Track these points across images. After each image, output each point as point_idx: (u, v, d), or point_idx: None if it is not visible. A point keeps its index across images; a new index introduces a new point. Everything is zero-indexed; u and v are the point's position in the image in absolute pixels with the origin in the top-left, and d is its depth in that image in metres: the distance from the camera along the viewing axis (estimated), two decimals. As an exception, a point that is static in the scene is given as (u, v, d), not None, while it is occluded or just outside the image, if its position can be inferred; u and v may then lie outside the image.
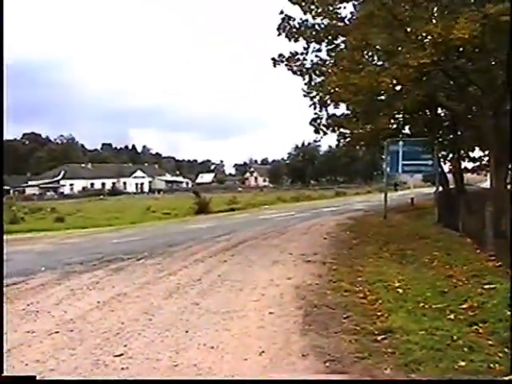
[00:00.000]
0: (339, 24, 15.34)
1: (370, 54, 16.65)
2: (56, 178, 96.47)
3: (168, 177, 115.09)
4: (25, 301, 8.31)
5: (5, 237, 21.10)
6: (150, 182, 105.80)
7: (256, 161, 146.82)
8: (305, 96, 18.46)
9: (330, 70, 15.47)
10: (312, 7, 14.90)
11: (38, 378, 4.13)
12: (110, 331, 6.43)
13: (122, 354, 5.56)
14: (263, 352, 5.52)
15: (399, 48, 13.93)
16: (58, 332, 6.47)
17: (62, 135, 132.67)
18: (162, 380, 4.61)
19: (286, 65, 17.01)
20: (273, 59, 17.00)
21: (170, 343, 5.92)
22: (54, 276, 10.53)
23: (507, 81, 12.82)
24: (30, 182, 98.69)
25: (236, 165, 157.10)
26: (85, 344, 5.97)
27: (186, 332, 6.33)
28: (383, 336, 5.80)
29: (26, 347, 5.91)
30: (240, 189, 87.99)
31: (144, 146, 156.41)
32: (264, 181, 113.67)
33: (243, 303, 7.80)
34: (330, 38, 16.43)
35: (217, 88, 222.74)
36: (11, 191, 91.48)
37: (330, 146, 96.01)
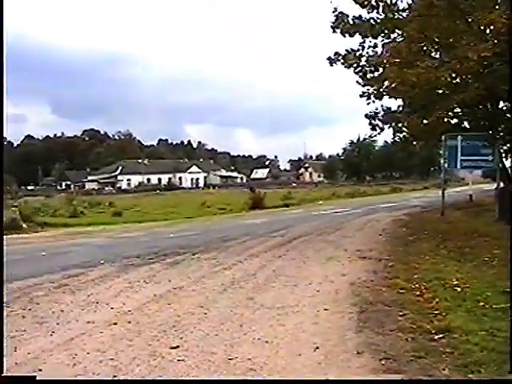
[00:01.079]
0: (396, 16, 15.07)
1: (427, 47, 16.25)
2: (114, 173, 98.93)
3: (223, 172, 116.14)
4: (85, 292, 8.56)
5: (67, 229, 21.88)
6: (205, 178, 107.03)
7: (311, 156, 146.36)
8: (361, 96, 18.20)
9: (386, 65, 15.21)
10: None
11: (38, 378, 4.27)
12: (167, 323, 6.53)
13: (178, 346, 5.64)
14: (318, 348, 5.48)
15: (460, 40, 13.50)
16: (116, 323, 6.62)
17: (119, 131, 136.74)
18: (163, 380, 4.66)
19: (343, 63, 16.83)
20: (328, 58, 16.87)
21: (224, 337, 5.96)
22: (113, 269, 10.79)
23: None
24: (89, 177, 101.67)
25: (291, 160, 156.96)
26: (142, 335, 6.09)
27: (241, 326, 6.37)
28: (441, 335, 5.65)
29: (87, 337, 6.08)
30: (294, 184, 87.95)
31: (199, 142, 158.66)
32: (319, 176, 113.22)
33: (298, 299, 7.78)
34: (386, 31, 16.14)
35: (271, 84, 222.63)
36: (72, 186, 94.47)
37: (385, 142, 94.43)
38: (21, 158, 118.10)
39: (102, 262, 11.65)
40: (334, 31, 15.84)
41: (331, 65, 16.86)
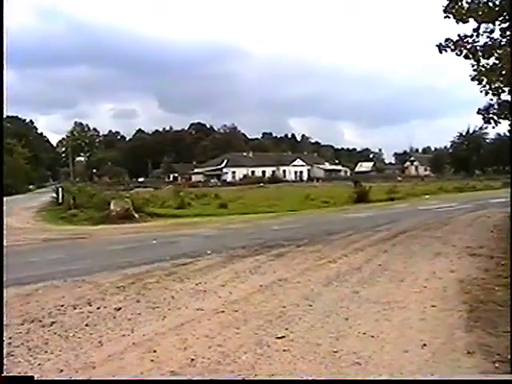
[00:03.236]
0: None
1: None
2: (219, 166, 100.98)
3: (327, 165, 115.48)
4: (193, 280, 8.89)
5: (174, 220, 22.70)
6: (308, 171, 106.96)
7: (417, 149, 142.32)
8: (472, 80, 17.35)
9: (505, 52, 14.37)
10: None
11: (36, 378, 4.41)
12: (272, 314, 6.64)
13: (283, 337, 5.73)
14: (425, 345, 5.36)
15: None
16: (223, 311, 6.83)
17: (225, 125, 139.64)
18: (163, 380, 4.67)
19: (453, 50, 16.08)
20: (439, 45, 16.19)
21: (329, 329, 5.98)
22: (219, 259, 11.10)
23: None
24: (195, 170, 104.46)
25: (396, 154, 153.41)
26: (248, 324, 6.24)
27: (346, 319, 6.36)
28: None
29: (197, 323, 6.34)
30: (399, 178, 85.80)
31: (303, 135, 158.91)
32: (425, 170, 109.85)
33: (404, 294, 7.64)
34: (505, 14, 15.22)
35: (374, 76, 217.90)
36: (179, 178, 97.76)
37: (498, 134, 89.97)
38: (132, 151, 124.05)
39: (208, 252, 12.02)
40: (447, 16, 15.15)
41: (440, 52, 16.12)
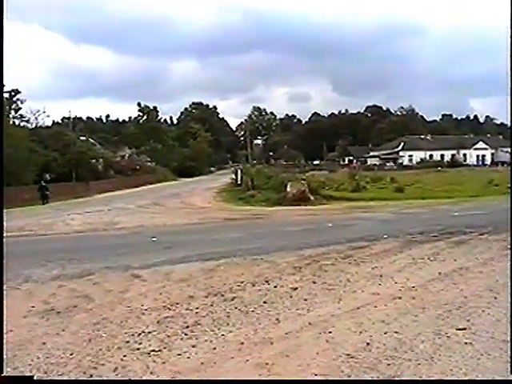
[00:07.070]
0: None
1: None
2: (395, 149, 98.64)
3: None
4: (370, 264, 8.84)
5: (349, 203, 22.67)
6: (492, 154, 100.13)
7: None
8: None
9: None
10: None
11: (35, 378, 4.38)
12: (452, 303, 6.36)
13: (465, 329, 5.45)
14: None
15: None
16: (400, 297, 6.69)
17: (402, 107, 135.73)
18: (163, 380, 4.46)
19: None
20: None
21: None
22: (396, 244, 10.88)
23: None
24: (371, 153, 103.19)
25: None
26: (427, 312, 6.05)
27: (536, 317, 5.86)
28: None
29: (372, 307, 6.29)
30: None
31: (487, 116, 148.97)
32: None
33: None
34: None
35: None
36: (354, 161, 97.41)
37: None
38: (307, 134, 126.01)
39: (385, 236, 11.85)
40: None
41: None
